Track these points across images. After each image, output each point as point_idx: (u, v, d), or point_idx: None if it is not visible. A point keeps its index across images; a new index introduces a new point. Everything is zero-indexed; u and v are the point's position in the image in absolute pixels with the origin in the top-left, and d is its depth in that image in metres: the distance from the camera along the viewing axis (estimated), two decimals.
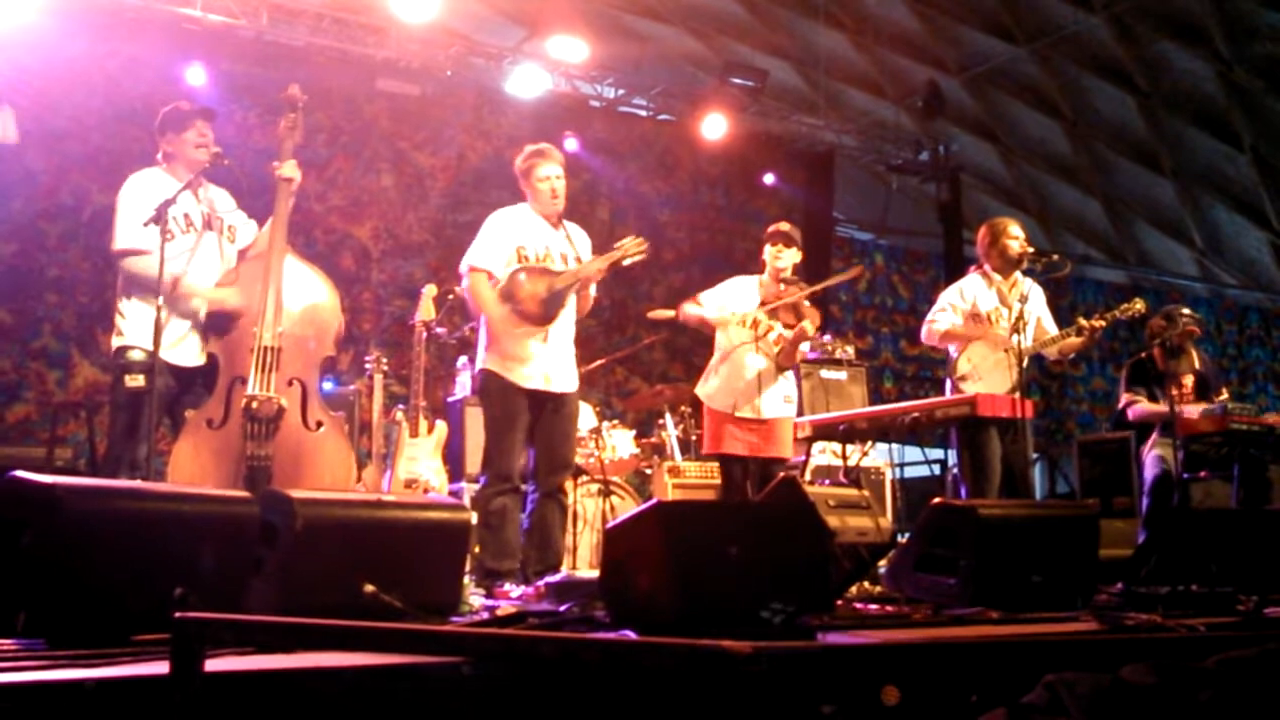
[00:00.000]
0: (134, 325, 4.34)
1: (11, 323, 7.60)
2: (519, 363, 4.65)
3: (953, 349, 5.64)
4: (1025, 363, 5.31)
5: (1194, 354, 6.46)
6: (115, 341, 4.38)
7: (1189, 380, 6.34)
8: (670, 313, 6.23)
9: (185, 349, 4.42)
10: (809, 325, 5.32)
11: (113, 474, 4.18)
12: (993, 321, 5.54)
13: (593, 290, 4.96)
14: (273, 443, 4.20)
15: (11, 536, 2.43)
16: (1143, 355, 6.48)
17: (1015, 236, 5.61)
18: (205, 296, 4.41)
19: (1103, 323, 5.50)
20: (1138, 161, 12.58)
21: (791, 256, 5.48)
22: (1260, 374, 14.46)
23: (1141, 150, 12.40)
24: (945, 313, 5.65)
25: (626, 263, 4.82)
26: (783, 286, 5.46)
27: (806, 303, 5.46)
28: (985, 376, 5.47)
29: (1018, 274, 5.64)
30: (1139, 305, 5.62)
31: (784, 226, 5.59)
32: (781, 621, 2.70)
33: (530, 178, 4.83)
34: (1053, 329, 5.63)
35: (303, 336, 4.41)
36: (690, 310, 5.50)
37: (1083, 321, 5.51)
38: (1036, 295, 5.63)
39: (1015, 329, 5.27)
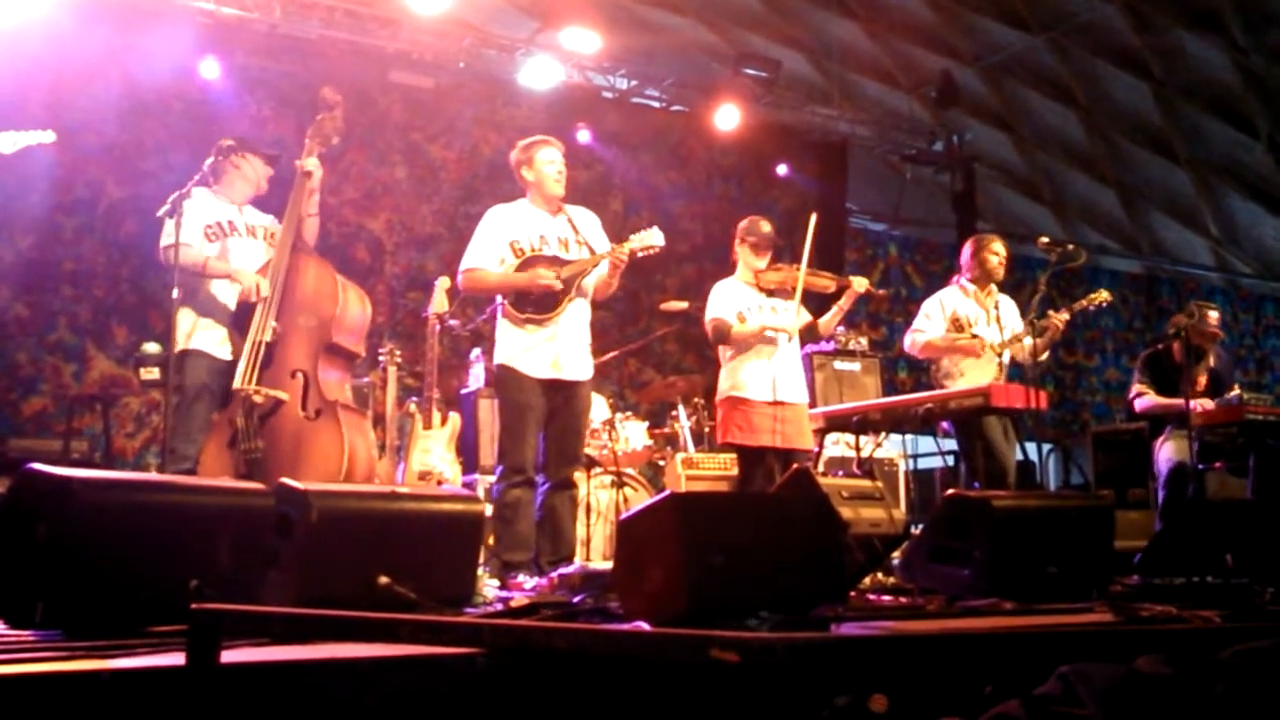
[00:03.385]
0: (185, 330, 4.55)
1: (28, 316, 7.63)
2: (528, 352, 4.66)
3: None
4: (1007, 358, 5.54)
5: (1211, 353, 6.46)
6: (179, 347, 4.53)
7: (1203, 379, 6.34)
8: (683, 304, 6.21)
9: (229, 347, 4.60)
10: (858, 283, 5.43)
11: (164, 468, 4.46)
12: (972, 323, 5.70)
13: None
14: (263, 435, 4.29)
15: (28, 528, 2.44)
16: (1159, 347, 6.51)
17: (996, 253, 5.82)
18: (245, 280, 4.56)
19: (1067, 315, 5.68)
20: (1153, 150, 12.50)
21: None
22: (1277, 363, 14.34)
23: (1157, 139, 12.32)
24: (928, 321, 5.81)
25: (641, 254, 4.78)
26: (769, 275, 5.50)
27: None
28: (966, 373, 5.63)
29: (992, 285, 5.84)
30: (1104, 295, 5.87)
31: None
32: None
33: (534, 164, 4.83)
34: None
35: (305, 327, 4.49)
36: (744, 329, 5.33)
37: (1052, 314, 5.62)
38: (1009, 307, 5.86)
39: (1009, 344, 5.56)
